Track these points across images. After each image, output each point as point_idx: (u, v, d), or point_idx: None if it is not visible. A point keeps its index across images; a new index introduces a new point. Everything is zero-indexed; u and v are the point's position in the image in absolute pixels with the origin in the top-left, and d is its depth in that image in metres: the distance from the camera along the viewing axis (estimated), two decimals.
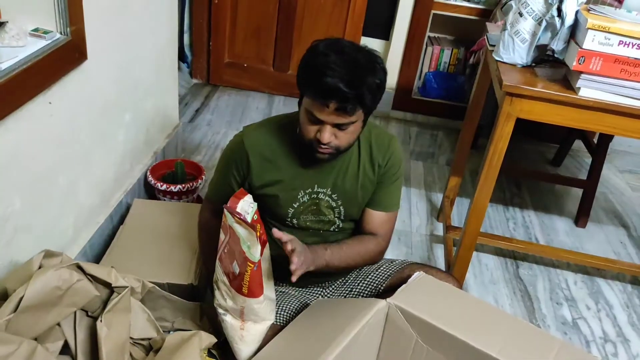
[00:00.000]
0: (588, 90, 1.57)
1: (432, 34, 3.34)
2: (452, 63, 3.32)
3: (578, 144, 3.04)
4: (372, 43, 3.31)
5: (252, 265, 1.29)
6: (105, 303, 1.36)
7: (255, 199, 1.51)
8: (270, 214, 1.54)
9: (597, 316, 2.09)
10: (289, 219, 1.52)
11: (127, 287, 1.36)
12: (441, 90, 3.29)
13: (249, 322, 1.41)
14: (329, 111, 1.27)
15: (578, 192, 2.70)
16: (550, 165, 3.09)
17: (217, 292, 1.44)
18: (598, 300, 2.16)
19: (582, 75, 1.55)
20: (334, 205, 1.51)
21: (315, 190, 1.49)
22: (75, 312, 1.35)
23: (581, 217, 2.59)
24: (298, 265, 1.31)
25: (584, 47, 1.50)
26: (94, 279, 1.34)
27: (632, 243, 2.53)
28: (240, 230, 1.30)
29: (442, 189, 2.67)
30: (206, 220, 1.63)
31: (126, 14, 1.87)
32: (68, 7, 1.47)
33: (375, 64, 1.30)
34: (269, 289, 1.41)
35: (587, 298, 2.17)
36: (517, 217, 2.61)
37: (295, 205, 1.50)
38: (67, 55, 1.52)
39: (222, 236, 1.40)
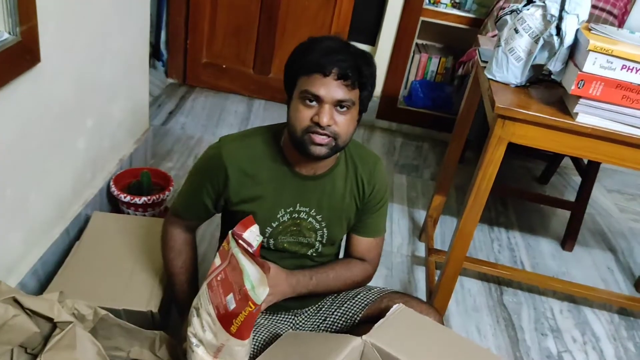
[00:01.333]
0: (586, 116, 1.45)
1: (420, 41, 3.23)
2: (439, 72, 3.21)
3: (566, 161, 2.94)
4: None
5: (253, 307, 1.18)
6: (46, 339, 1.21)
7: (230, 216, 1.41)
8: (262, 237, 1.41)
9: (583, 349, 1.98)
10: (265, 239, 1.39)
11: (71, 322, 1.21)
12: (428, 100, 3.17)
13: None
14: (330, 81, 1.18)
15: (565, 212, 2.60)
16: (537, 183, 2.99)
17: (195, 319, 1.31)
18: (584, 332, 2.06)
19: (581, 100, 1.43)
20: (317, 227, 1.40)
21: (297, 209, 1.37)
22: (12, 350, 1.20)
23: (568, 241, 2.49)
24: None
25: (584, 70, 1.38)
26: (34, 313, 1.19)
27: (619, 269, 2.44)
28: (245, 263, 1.19)
29: (426, 205, 2.55)
30: (172, 235, 1.48)
31: (89, 10, 1.71)
32: (18, 4, 1.32)
33: (368, 54, 1.27)
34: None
35: (573, 329, 2.06)
36: (502, 238, 2.50)
37: (274, 225, 1.38)
38: (16, 57, 1.36)
39: (217, 261, 1.28)
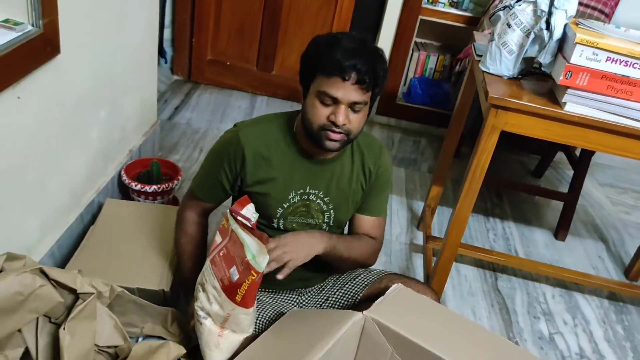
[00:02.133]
0: (574, 105, 1.54)
1: (418, 40, 3.31)
2: (437, 69, 3.30)
3: (560, 156, 3.03)
4: None
5: (256, 276, 1.26)
6: (69, 309, 1.30)
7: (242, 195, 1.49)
8: (260, 214, 1.48)
9: (573, 331, 2.07)
10: (275, 220, 1.48)
11: (92, 293, 1.30)
12: (426, 97, 3.26)
13: (228, 330, 1.38)
14: (347, 85, 1.25)
15: (558, 204, 2.69)
16: (531, 176, 3.08)
17: (201, 294, 1.39)
18: (575, 315, 2.15)
19: (569, 90, 1.53)
20: (325, 208, 1.49)
21: (307, 191, 1.46)
22: (37, 318, 1.28)
23: (561, 230, 2.58)
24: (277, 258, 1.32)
25: (571, 61, 1.48)
26: (58, 284, 1.27)
27: (610, 258, 2.53)
28: (245, 237, 1.27)
29: (424, 197, 2.64)
30: (188, 219, 1.56)
31: (104, 6, 1.80)
32: None
33: (381, 51, 1.34)
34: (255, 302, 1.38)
35: (564, 313, 2.15)
36: (498, 228, 2.60)
37: (285, 206, 1.46)
38: (39, 48, 1.45)
39: (217, 238, 1.36)
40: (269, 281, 1.56)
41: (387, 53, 3.18)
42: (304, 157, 1.43)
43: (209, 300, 1.37)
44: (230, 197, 1.55)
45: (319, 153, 1.42)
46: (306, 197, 1.46)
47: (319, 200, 1.47)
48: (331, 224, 1.51)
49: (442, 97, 3.25)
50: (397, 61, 3.20)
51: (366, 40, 1.31)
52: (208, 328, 1.38)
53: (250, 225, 1.30)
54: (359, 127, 1.34)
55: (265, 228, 1.51)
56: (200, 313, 1.40)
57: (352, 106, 1.29)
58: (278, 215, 1.47)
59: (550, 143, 2.94)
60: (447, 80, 3.30)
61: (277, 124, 1.44)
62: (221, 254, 1.35)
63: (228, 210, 1.34)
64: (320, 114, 1.30)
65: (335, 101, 1.28)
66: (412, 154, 3.10)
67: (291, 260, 1.34)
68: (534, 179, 3.07)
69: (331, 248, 1.42)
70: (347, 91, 1.26)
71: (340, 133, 1.31)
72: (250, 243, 1.27)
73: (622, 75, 1.48)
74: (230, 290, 1.32)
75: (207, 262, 1.39)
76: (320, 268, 1.55)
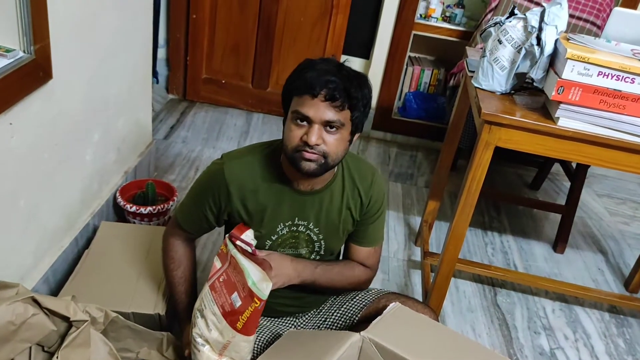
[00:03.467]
0: (567, 120, 1.54)
1: (412, 54, 3.33)
2: (432, 83, 3.31)
3: (556, 167, 3.03)
4: (353, 62, 3.24)
5: (259, 303, 1.25)
6: (62, 337, 1.28)
7: (230, 226, 1.47)
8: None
9: (574, 346, 2.05)
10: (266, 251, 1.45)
11: (86, 320, 1.28)
12: (421, 111, 3.27)
13: (227, 358, 1.36)
14: (318, 102, 1.23)
15: (556, 216, 2.69)
16: (528, 189, 3.08)
17: (199, 321, 1.37)
18: (576, 330, 2.13)
19: (561, 105, 1.52)
20: (315, 238, 1.46)
21: (295, 222, 1.43)
22: (30, 348, 1.27)
23: (559, 243, 2.57)
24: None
25: (563, 77, 1.48)
26: (51, 312, 1.26)
27: (609, 270, 2.52)
28: (245, 263, 1.27)
29: (421, 211, 2.63)
30: (173, 246, 1.54)
31: (97, 29, 1.81)
32: (32, 24, 1.41)
33: (363, 76, 1.31)
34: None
35: (565, 327, 2.13)
36: (496, 242, 2.58)
37: (274, 238, 1.44)
38: (31, 74, 1.45)
39: (217, 263, 1.35)
40: (266, 307, 1.55)
41: (381, 68, 3.20)
42: (292, 188, 1.40)
43: (207, 327, 1.36)
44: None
45: (306, 183, 1.39)
46: (295, 228, 1.43)
47: (308, 232, 1.44)
48: (322, 252, 1.49)
49: (437, 111, 3.26)
50: (392, 76, 3.21)
51: (343, 65, 1.29)
52: (206, 355, 1.36)
53: (250, 251, 1.29)
54: (337, 150, 1.29)
55: None
56: (199, 340, 1.38)
57: (327, 126, 1.26)
58: (267, 247, 1.45)
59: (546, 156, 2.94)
60: (442, 94, 3.30)
61: (263, 156, 1.41)
62: (221, 280, 1.33)
63: (227, 236, 1.33)
64: (294, 135, 1.27)
65: (309, 121, 1.25)
66: (409, 169, 3.10)
67: (275, 278, 1.33)
68: (532, 191, 3.06)
69: (311, 280, 1.44)
70: (318, 109, 1.24)
71: (315, 154, 1.27)
72: (251, 269, 1.26)
73: (614, 90, 1.48)
74: (231, 317, 1.30)
75: (206, 288, 1.37)
76: (315, 290, 1.54)
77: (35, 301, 1.24)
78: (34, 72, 1.47)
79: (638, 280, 2.33)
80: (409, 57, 3.26)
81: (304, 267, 1.43)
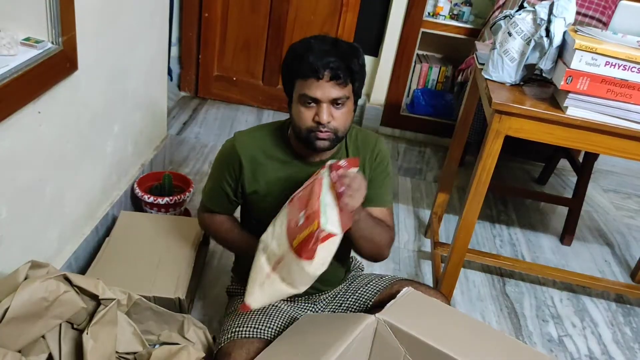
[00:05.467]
0: (575, 109, 1.59)
1: (420, 52, 3.38)
2: (440, 80, 3.36)
3: (563, 163, 3.08)
4: None
5: (316, 228, 1.20)
6: (91, 315, 1.34)
7: (245, 202, 1.54)
8: (259, 216, 1.53)
9: (582, 334, 2.10)
10: None
11: (114, 299, 1.34)
12: (429, 108, 3.32)
13: (278, 275, 1.31)
14: (323, 83, 1.29)
15: (563, 210, 2.73)
16: (536, 184, 3.12)
17: (270, 227, 1.36)
18: (583, 318, 2.18)
19: (570, 95, 1.57)
20: None
21: None
22: (60, 325, 1.32)
23: (566, 235, 2.61)
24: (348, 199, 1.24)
25: (571, 67, 1.53)
26: (81, 290, 1.31)
27: (616, 261, 2.56)
28: (326, 193, 1.23)
29: (429, 205, 2.68)
30: (213, 221, 1.59)
31: (118, 24, 1.87)
32: (60, 16, 1.47)
33: (356, 47, 1.36)
34: (304, 280, 1.31)
35: (572, 316, 2.18)
36: (504, 234, 2.63)
37: None
38: (58, 65, 1.51)
39: (307, 181, 1.32)
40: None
41: (390, 66, 3.25)
42: (300, 160, 1.47)
43: (273, 234, 1.33)
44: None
45: (314, 155, 1.46)
46: None
47: None
48: None
49: (445, 107, 3.30)
50: (400, 73, 3.26)
51: (337, 40, 1.35)
52: (260, 264, 1.33)
53: (340, 191, 1.22)
54: (346, 122, 1.37)
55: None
56: (261, 245, 1.35)
57: (334, 103, 1.33)
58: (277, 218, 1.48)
59: (553, 150, 2.99)
60: (450, 91, 3.35)
61: (270, 132, 1.49)
62: (299, 195, 1.31)
63: (328, 163, 1.28)
64: (305, 117, 1.34)
65: (316, 101, 1.32)
66: (418, 164, 3.15)
67: (349, 204, 1.26)
68: (538, 186, 3.11)
69: (364, 216, 1.39)
70: (324, 89, 1.30)
71: (327, 132, 1.35)
72: (329, 202, 1.22)
73: (621, 79, 1.52)
74: (292, 232, 1.27)
75: (287, 203, 1.35)
76: (333, 270, 1.58)
77: (67, 279, 1.29)
78: (61, 63, 1.52)
79: None
80: (417, 54, 3.31)
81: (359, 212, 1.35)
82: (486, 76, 1.76)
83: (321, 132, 1.35)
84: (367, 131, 1.57)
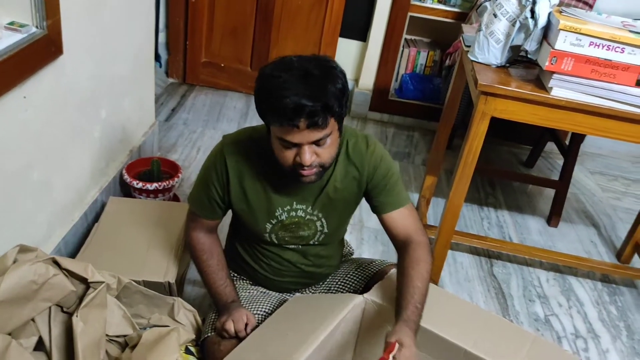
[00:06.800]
0: (560, 90, 1.61)
1: (408, 36, 3.38)
2: (428, 65, 3.36)
3: (550, 146, 3.10)
4: (350, 44, 3.34)
5: None
6: (80, 298, 1.35)
7: (233, 212, 1.50)
8: (248, 230, 1.51)
9: (568, 313, 2.13)
10: (267, 235, 1.48)
11: (103, 282, 1.35)
12: (417, 92, 3.33)
13: None
14: (300, 131, 1.20)
15: (550, 192, 2.76)
16: (523, 167, 3.15)
17: None
18: (569, 298, 2.21)
19: (554, 75, 1.59)
20: (315, 219, 1.47)
21: (294, 207, 1.44)
22: (50, 308, 1.33)
23: (553, 217, 2.64)
24: None
25: (556, 47, 1.54)
26: (70, 274, 1.32)
27: (602, 242, 2.59)
28: None
29: (418, 188, 2.70)
30: (198, 239, 1.53)
31: (103, 9, 1.86)
32: (44, 0, 1.46)
33: (330, 69, 1.23)
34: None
35: (559, 295, 2.21)
36: (492, 216, 2.66)
37: (273, 222, 1.45)
38: (43, 49, 1.50)
39: None
40: (275, 285, 1.60)
41: (378, 50, 3.25)
42: (293, 180, 1.36)
43: None
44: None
45: None
46: (294, 213, 1.44)
47: (307, 216, 1.45)
48: (326, 230, 1.49)
49: (433, 91, 3.31)
50: (388, 58, 3.26)
51: (310, 69, 1.21)
52: None
53: None
54: (332, 154, 1.30)
55: (260, 242, 1.52)
56: None
57: (316, 143, 1.24)
58: (268, 230, 1.47)
59: (540, 133, 3.01)
60: (438, 75, 3.36)
61: (258, 142, 1.39)
62: None
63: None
64: (287, 157, 1.27)
65: (293, 145, 1.24)
66: (406, 148, 3.16)
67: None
68: (526, 168, 3.13)
69: (418, 328, 1.30)
70: (303, 135, 1.21)
71: (311, 169, 1.28)
72: None
73: (605, 59, 1.54)
74: None
75: None
76: (322, 266, 1.59)
77: (56, 262, 1.30)
78: (46, 47, 1.52)
79: (630, 251, 2.41)
80: (405, 39, 3.31)
81: (412, 337, 1.25)
82: (472, 58, 1.77)
83: (305, 170, 1.27)
84: (356, 135, 1.44)
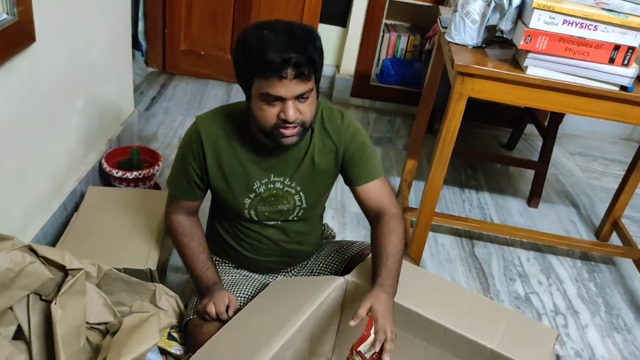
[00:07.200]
0: (535, 68, 1.62)
1: (388, 21, 3.37)
2: (408, 50, 3.37)
3: (530, 128, 3.13)
4: (330, 30, 3.33)
5: None
6: (59, 286, 1.33)
7: (212, 190, 1.50)
8: (228, 209, 1.51)
9: (548, 290, 2.16)
10: (246, 211, 1.49)
11: (81, 269, 1.34)
12: (398, 77, 3.33)
13: None
14: (287, 82, 1.23)
15: (530, 174, 2.78)
16: (504, 149, 3.17)
17: None
18: (549, 276, 2.24)
19: (529, 54, 1.60)
20: (294, 192, 1.48)
21: (271, 179, 1.46)
22: (28, 296, 1.32)
23: (533, 198, 2.67)
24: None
25: (530, 26, 1.55)
26: (48, 261, 1.31)
27: (581, 221, 2.63)
28: None
29: (400, 172, 2.71)
30: (178, 222, 1.53)
31: None
32: None
33: (311, 30, 1.29)
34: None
35: (539, 274, 2.24)
36: (473, 198, 2.68)
37: (252, 196, 1.46)
38: (15, 36, 1.48)
39: None
40: (257, 266, 1.61)
41: (358, 36, 3.24)
42: (264, 147, 1.41)
43: None
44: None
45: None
46: (272, 185, 1.46)
47: (285, 188, 1.47)
48: (304, 205, 1.51)
49: (414, 76, 3.32)
50: (369, 43, 3.26)
51: (293, 28, 1.27)
52: None
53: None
54: (312, 113, 1.32)
55: (240, 221, 1.52)
56: None
57: (299, 98, 1.27)
58: (247, 206, 1.47)
59: (519, 115, 3.03)
60: (419, 59, 3.36)
61: (234, 117, 1.43)
62: None
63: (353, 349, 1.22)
64: (269, 114, 1.28)
65: (281, 99, 1.26)
66: (388, 133, 3.17)
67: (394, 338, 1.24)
68: (507, 151, 3.16)
69: (394, 292, 1.34)
70: (288, 88, 1.24)
71: (294, 127, 1.30)
72: None
73: (579, 37, 1.55)
74: None
75: None
76: (303, 243, 1.60)
77: (32, 250, 1.28)
78: (18, 34, 1.49)
79: (608, 229, 2.44)
80: (385, 24, 3.31)
81: (387, 294, 1.30)
82: (449, 39, 1.78)
83: (287, 128, 1.29)
84: (330, 108, 1.48)
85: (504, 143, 3.20)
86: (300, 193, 1.49)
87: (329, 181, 1.53)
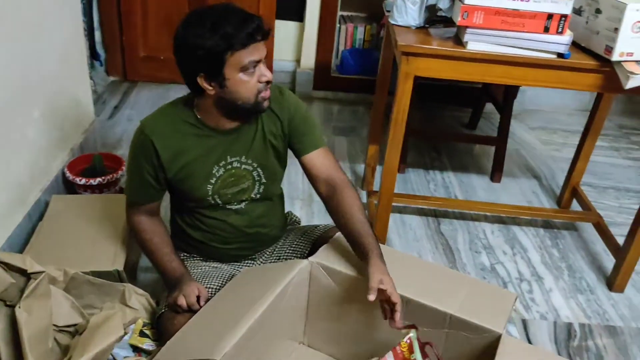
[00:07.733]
0: (475, 43, 1.67)
1: (344, 13, 3.42)
2: (366, 39, 3.42)
3: (490, 107, 3.19)
4: (287, 25, 3.37)
5: None
6: (22, 290, 1.35)
7: (172, 188, 1.53)
8: (192, 199, 1.54)
9: (513, 260, 2.22)
10: (210, 197, 1.52)
11: (43, 272, 1.35)
12: (358, 67, 3.38)
13: None
14: (259, 45, 1.34)
15: (493, 151, 2.85)
16: (466, 129, 3.24)
17: None
18: (514, 246, 2.30)
19: (468, 30, 1.65)
20: (251, 169, 1.53)
21: (228, 161, 1.50)
22: None
23: (496, 173, 2.74)
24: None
25: (465, 2, 1.60)
26: (8, 267, 1.33)
27: (543, 192, 2.70)
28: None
29: (365, 159, 2.75)
30: (139, 222, 1.56)
31: (20, 8, 1.83)
32: None
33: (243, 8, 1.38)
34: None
35: (503, 245, 2.30)
36: (437, 179, 2.73)
37: (213, 181, 1.50)
38: None
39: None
40: (224, 254, 1.64)
41: (315, 30, 3.30)
42: (214, 131, 1.47)
43: None
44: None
45: (227, 122, 1.46)
46: (230, 166, 1.50)
47: (243, 166, 1.52)
48: (264, 180, 1.56)
49: (374, 65, 3.33)
50: (326, 36, 3.30)
51: (230, 6, 1.36)
52: None
53: None
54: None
55: (202, 210, 1.55)
56: None
57: (264, 60, 1.38)
58: (210, 192, 1.51)
59: (478, 95, 3.10)
60: (377, 48, 3.42)
61: (177, 111, 1.47)
62: None
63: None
64: (252, 83, 1.37)
65: (255, 64, 1.36)
66: (351, 122, 3.22)
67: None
68: (469, 130, 3.23)
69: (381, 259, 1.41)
70: (259, 49, 1.35)
71: (268, 87, 1.41)
72: None
73: (513, 9, 1.61)
74: None
75: None
76: (266, 226, 1.63)
77: None
78: None
79: (568, 196, 2.52)
80: (342, 16, 3.35)
81: (379, 259, 1.39)
82: (392, 22, 1.82)
83: (266, 90, 1.39)
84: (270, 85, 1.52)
85: (466, 123, 3.27)
86: (258, 169, 1.54)
87: (281, 155, 1.58)
